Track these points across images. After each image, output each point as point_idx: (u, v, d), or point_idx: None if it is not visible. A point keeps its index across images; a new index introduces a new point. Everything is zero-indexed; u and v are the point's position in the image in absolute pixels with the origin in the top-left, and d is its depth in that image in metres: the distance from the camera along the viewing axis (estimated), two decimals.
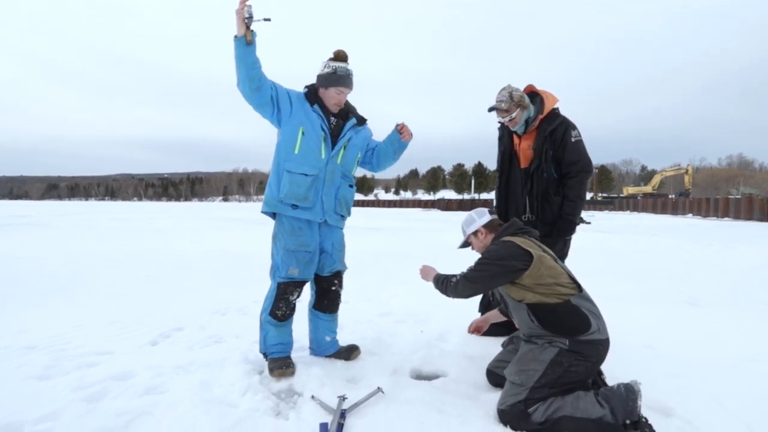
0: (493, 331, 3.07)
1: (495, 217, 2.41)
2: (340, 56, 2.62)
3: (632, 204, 41.79)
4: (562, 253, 3.01)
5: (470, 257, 2.37)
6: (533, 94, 3.03)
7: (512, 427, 1.96)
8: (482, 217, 2.39)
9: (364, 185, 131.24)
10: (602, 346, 2.05)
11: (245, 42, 2.33)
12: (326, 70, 2.60)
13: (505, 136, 3.15)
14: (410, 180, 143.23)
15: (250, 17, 2.30)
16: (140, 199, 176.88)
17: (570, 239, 3.09)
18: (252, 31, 2.34)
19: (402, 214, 32.05)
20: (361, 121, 2.79)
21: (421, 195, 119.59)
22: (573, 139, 2.91)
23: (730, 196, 34.34)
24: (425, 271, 2.52)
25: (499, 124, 3.21)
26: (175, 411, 2.04)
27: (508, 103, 2.91)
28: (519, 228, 2.31)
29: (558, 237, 2.94)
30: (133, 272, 6.06)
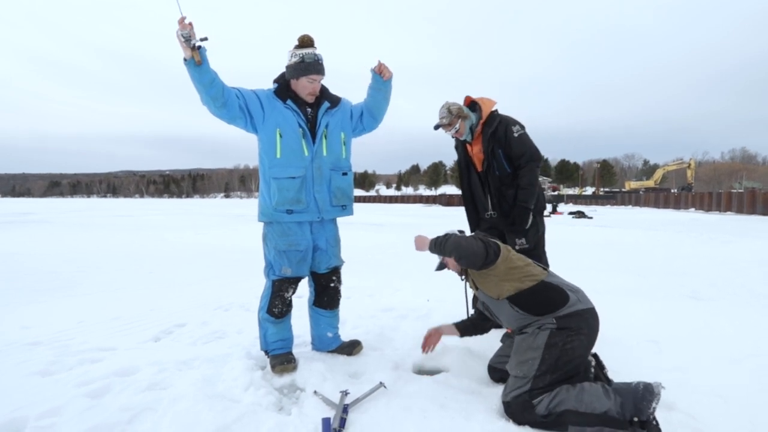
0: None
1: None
2: (306, 42, 2.47)
3: (634, 198, 41.67)
4: (534, 254, 3.00)
5: None
6: (473, 104, 3.22)
7: (516, 420, 1.97)
8: None
9: (365, 181, 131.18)
10: (589, 315, 2.09)
11: (195, 63, 2.25)
12: (293, 59, 2.46)
13: (460, 146, 3.35)
14: (411, 175, 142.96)
15: (188, 39, 2.20)
16: (142, 195, 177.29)
17: (542, 239, 3.20)
18: (200, 49, 2.25)
19: (403, 210, 32.05)
20: (335, 101, 2.66)
21: (423, 190, 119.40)
22: (515, 134, 3.06)
23: (732, 191, 34.18)
24: (420, 241, 2.53)
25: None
26: (177, 406, 2.05)
27: (448, 117, 3.11)
28: (483, 236, 2.43)
29: (516, 225, 3.05)
30: (135, 268, 6.08)
